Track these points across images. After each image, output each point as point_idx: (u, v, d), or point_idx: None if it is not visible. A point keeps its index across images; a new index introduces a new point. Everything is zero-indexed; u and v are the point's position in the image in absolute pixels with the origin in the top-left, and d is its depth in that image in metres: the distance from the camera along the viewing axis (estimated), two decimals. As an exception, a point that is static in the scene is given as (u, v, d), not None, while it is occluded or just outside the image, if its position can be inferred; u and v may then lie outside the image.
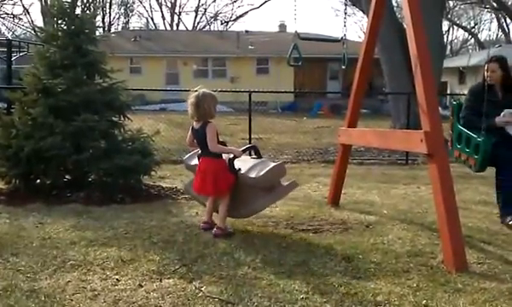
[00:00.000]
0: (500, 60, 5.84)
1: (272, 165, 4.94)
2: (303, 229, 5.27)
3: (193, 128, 5.15)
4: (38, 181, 6.81)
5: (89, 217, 5.66)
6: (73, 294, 3.57)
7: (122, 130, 7.17)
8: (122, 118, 7.25)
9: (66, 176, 6.92)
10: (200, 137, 5.06)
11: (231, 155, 5.04)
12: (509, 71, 5.82)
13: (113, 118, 7.15)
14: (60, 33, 7.20)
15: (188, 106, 5.04)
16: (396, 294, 3.64)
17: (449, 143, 5.96)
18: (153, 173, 7.14)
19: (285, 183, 5.16)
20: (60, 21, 7.28)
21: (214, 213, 5.24)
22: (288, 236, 5.01)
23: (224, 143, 5.23)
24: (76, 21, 7.19)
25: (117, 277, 3.87)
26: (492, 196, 7.26)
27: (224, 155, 5.10)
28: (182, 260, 4.23)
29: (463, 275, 4.00)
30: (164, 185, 7.57)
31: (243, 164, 5.02)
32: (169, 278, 3.86)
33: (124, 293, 3.58)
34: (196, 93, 5.02)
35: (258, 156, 5.21)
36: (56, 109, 6.76)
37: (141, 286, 3.71)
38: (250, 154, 5.26)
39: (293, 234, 5.11)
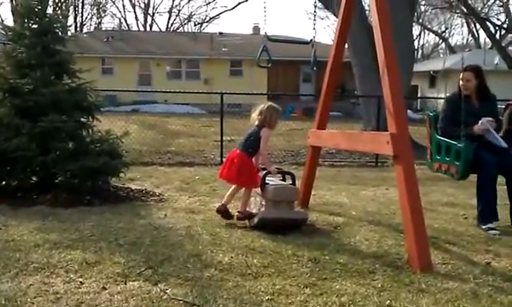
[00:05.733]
0: (475, 70, 5.78)
1: (285, 184, 5.56)
2: (271, 231, 5.26)
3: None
4: (3, 182, 6.67)
5: (54, 219, 5.57)
6: (35, 297, 3.50)
7: (90, 131, 7.08)
8: (90, 119, 7.15)
9: (33, 178, 6.80)
10: (249, 133, 5.60)
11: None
12: (484, 79, 5.78)
13: (82, 119, 7.05)
14: (27, 32, 7.07)
15: (253, 113, 5.66)
16: (361, 295, 3.66)
17: (428, 156, 5.90)
18: (122, 175, 7.05)
19: (297, 209, 5.76)
20: (28, 20, 7.15)
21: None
22: (256, 238, 5.01)
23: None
24: (44, 21, 7.08)
25: (80, 280, 3.81)
26: (459, 198, 7.42)
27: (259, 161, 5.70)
28: (148, 262, 4.19)
29: (427, 276, 4.06)
30: (133, 187, 7.50)
31: (272, 180, 5.57)
32: (134, 280, 3.82)
33: (87, 296, 3.53)
34: (263, 104, 5.69)
35: (293, 183, 5.62)
36: (23, 109, 6.64)
37: (105, 288, 3.66)
38: (284, 179, 5.73)
39: (261, 235, 5.10)
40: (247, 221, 5.52)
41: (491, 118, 5.59)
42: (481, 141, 5.55)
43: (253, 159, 5.63)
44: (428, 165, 5.92)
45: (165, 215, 5.91)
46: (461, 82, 5.75)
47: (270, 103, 5.69)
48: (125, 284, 3.75)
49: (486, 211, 5.57)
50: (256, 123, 5.60)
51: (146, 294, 3.57)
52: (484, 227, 5.51)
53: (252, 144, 5.56)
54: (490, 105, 5.82)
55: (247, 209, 5.60)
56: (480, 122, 5.51)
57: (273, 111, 5.60)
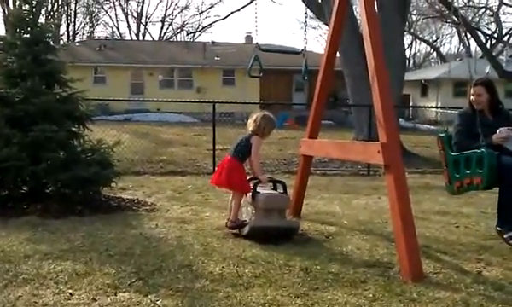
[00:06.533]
0: (486, 83, 5.60)
1: (276, 193, 5.54)
2: (263, 240, 5.25)
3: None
4: (-6, 192, 6.62)
5: (45, 229, 5.53)
6: (24, 309, 3.47)
7: (82, 140, 7.06)
8: (82, 129, 7.13)
9: (23, 188, 6.76)
10: (241, 139, 5.66)
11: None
12: (496, 93, 5.64)
13: (73, 129, 7.03)
14: (18, 42, 7.06)
15: (249, 119, 5.69)
16: (352, 305, 3.65)
17: (446, 180, 5.54)
18: (113, 184, 7.03)
19: (288, 218, 5.77)
20: (19, 30, 7.14)
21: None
22: (248, 247, 4.99)
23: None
24: (35, 30, 7.07)
25: (70, 291, 3.78)
26: (450, 206, 7.44)
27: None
28: (138, 273, 4.16)
29: (419, 285, 4.05)
30: (125, 196, 7.48)
31: (263, 189, 5.55)
32: (124, 292, 3.79)
33: (77, 308, 3.50)
34: (261, 112, 5.75)
35: (284, 192, 5.58)
36: (13, 119, 6.62)
37: (95, 300, 3.63)
38: (275, 188, 5.67)
39: (252, 245, 5.08)
40: (238, 230, 5.50)
41: (509, 127, 5.35)
42: (502, 151, 5.28)
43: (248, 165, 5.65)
44: (449, 189, 5.55)
45: (157, 225, 5.88)
46: (472, 97, 5.54)
47: (266, 112, 5.73)
48: (116, 295, 3.72)
49: (509, 218, 5.28)
50: (250, 129, 5.64)
51: (136, 306, 3.55)
52: (505, 236, 5.28)
53: (242, 150, 5.58)
54: (504, 118, 5.59)
55: (239, 218, 5.58)
56: (498, 131, 5.29)
57: (268, 121, 5.64)
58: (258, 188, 5.48)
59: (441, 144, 5.57)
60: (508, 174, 5.14)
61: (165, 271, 4.24)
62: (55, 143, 6.60)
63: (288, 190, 5.66)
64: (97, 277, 4.06)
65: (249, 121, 5.69)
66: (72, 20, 51.40)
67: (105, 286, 3.87)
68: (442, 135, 5.61)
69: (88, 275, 4.09)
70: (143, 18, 55.24)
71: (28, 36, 7.06)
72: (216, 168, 6.12)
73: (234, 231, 5.51)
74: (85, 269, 4.25)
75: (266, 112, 5.74)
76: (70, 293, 3.75)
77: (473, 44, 43.92)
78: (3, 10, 41.33)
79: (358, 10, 5.79)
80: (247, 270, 4.31)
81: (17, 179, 6.59)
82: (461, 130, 5.51)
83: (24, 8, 7.28)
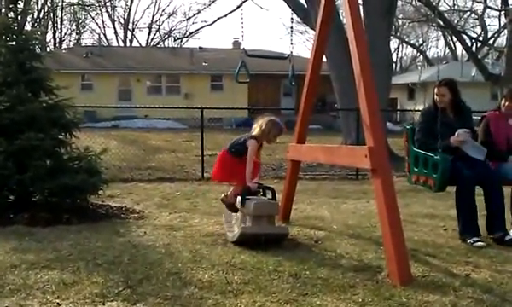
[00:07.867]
0: (449, 84, 5.81)
1: (265, 200, 5.54)
2: (252, 247, 5.24)
3: None
4: (-21, 202, 6.55)
5: (32, 238, 5.47)
6: (10, 320, 3.43)
7: (68, 148, 7.01)
8: (69, 136, 7.08)
9: (10, 197, 6.69)
10: (239, 137, 5.71)
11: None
12: (458, 94, 5.82)
13: (59, 136, 6.97)
14: (3, 49, 7.01)
15: (254, 125, 5.72)
16: (341, 310, 3.65)
17: (406, 169, 5.91)
18: (101, 192, 6.98)
19: (277, 224, 5.71)
20: (4, 37, 7.09)
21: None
22: (237, 254, 4.97)
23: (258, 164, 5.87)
24: (20, 38, 7.02)
25: (58, 301, 3.74)
26: (438, 209, 7.47)
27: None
28: (126, 281, 4.12)
29: (408, 289, 4.05)
30: (113, 204, 7.43)
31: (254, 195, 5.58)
32: (112, 300, 3.76)
33: (64, 318, 3.46)
34: (267, 116, 5.73)
35: (273, 198, 5.56)
36: (-1, 127, 6.56)
37: (82, 309, 3.60)
38: (265, 194, 5.65)
39: (241, 251, 5.06)
40: (227, 235, 5.50)
41: (467, 130, 5.62)
42: (458, 153, 5.56)
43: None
44: (408, 179, 5.94)
45: (145, 232, 5.85)
46: (436, 96, 5.79)
47: (272, 117, 5.70)
48: (103, 304, 3.69)
49: (467, 226, 5.52)
50: (254, 133, 5.61)
51: (124, 314, 3.52)
52: (468, 241, 5.45)
53: (236, 146, 5.61)
54: (465, 117, 5.86)
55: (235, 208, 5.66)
56: (456, 133, 5.53)
57: (273, 125, 5.61)
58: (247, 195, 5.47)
59: (406, 136, 5.90)
60: (461, 181, 5.48)
61: (154, 279, 4.20)
62: (42, 151, 6.54)
63: (276, 196, 5.65)
64: (85, 286, 4.02)
65: (254, 125, 5.66)
66: (59, 26, 51.20)
67: (93, 296, 3.83)
68: (407, 127, 5.96)
69: (75, 285, 4.05)
70: (130, 24, 55.10)
71: (13, 43, 7.01)
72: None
73: (223, 237, 5.51)
74: (73, 278, 4.20)
75: (273, 117, 5.70)
76: (57, 303, 3.70)
77: (459, 48, 44.31)
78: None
79: (344, 14, 5.82)
80: (236, 277, 4.29)
81: (3, 188, 6.52)
82: (422, 127, 5.77)
83: (9, 15, 7.23)
